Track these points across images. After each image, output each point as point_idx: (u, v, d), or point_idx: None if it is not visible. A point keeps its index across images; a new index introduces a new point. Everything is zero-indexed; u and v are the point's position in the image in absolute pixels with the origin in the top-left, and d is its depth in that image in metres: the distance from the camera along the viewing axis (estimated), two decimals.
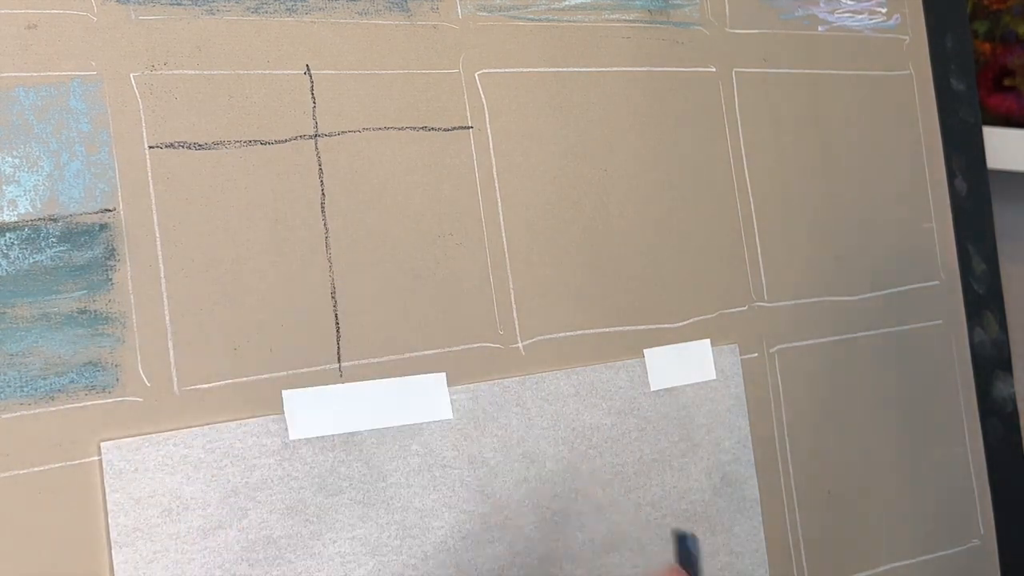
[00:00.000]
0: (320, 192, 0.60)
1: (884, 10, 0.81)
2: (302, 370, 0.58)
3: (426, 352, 0.61)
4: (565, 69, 0.68)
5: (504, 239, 0.64)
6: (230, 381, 0.56)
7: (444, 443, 0.61)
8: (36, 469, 0.52)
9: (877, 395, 0.77)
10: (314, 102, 0.60)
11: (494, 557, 0.62)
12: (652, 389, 0.68)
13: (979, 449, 0.81)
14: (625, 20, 0.70)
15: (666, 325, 0.69)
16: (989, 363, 0.82)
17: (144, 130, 0.56)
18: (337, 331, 0.59)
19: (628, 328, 0.68)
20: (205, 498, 0.55)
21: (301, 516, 0.57)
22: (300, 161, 0.59)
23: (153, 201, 0.56)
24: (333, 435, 0.58)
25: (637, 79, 0.70)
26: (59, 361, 0.53)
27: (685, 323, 0.70)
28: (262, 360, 0.57)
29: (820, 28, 0.78)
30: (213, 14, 0.58)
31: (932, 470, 0.79)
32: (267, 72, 0.59)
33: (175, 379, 0.55)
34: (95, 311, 0.54)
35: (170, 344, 0.55)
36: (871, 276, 0.78)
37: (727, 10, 0.74)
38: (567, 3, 0.68)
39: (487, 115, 0.65)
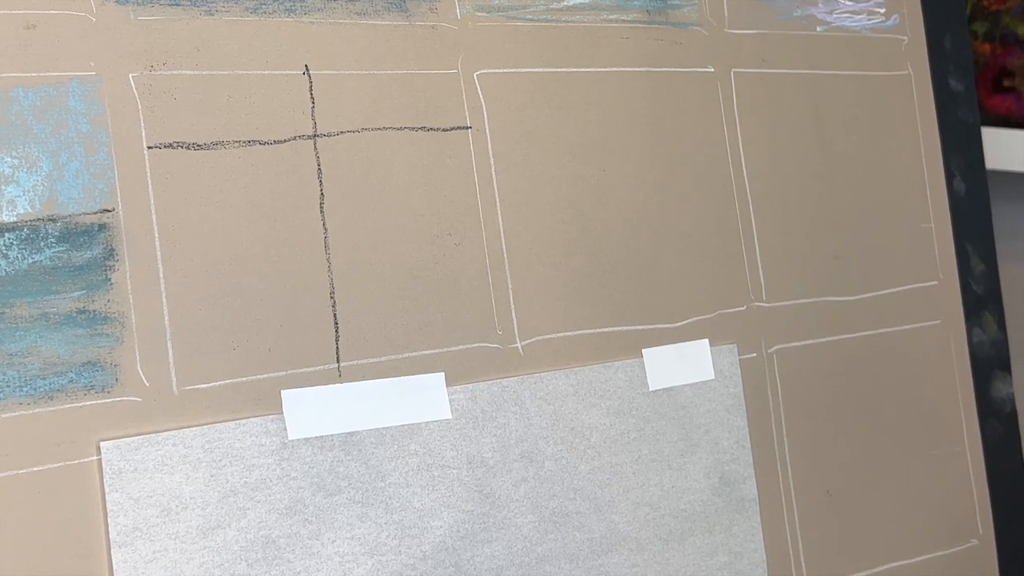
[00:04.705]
0: (319, 192, 0.60)
1: (883, 10, 0.81)
2: (301, 370, 0.58)
3: (425, 352, 0.61)
4: (563, 69, 0.68)
5: (503, 239, 0.65)
6: (229, 381, 0.57)
7: (443, 443, 0.61)
8: (35, 469, 0.52)
9: (875, 395, 0.77)
10: (313, 102, 0.60)
11: (492, 556, 0.62)
12: (651, 389, 0.68)
13: (977, 449, 0.81)
14: (623, 20, 0.70)
15: (664, 325, 0.69)
16: (988, 363, 0.82)
17: (143, 130, 0.56)
18: (336, 331, 0.59)
19: (626, 328, 0.68)
20: (204, 498, 0.55)
21: (300, 516, 0.57)
22: (299, 161, 0.59)
23: (152, 201, 0.56)
24: (332, 435, 0.59)
25: (635, 79, 0.70)
26: (58, 361, 0.53)
27: (683, 323, 0.70)
28: (261, 360, 0.57)
29: (818, 28, 0.78)
30: (212, 14, 0.58)
31: (930, 470, 0.79)
32: (266, 72, 0.59)
33: (174, 379, 0.55)
34: (94, 311, 0.54)
35: (169, 344, 0.55)
36: (869, 276, 0.78)
37: (725, 10, 0.74)
38: (565, 4, 0.68)
39: (486, 115, 0.65)
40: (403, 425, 0.60)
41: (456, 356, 0.62)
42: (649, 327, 0.69)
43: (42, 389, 0.52)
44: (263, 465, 0.57)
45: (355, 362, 0.60)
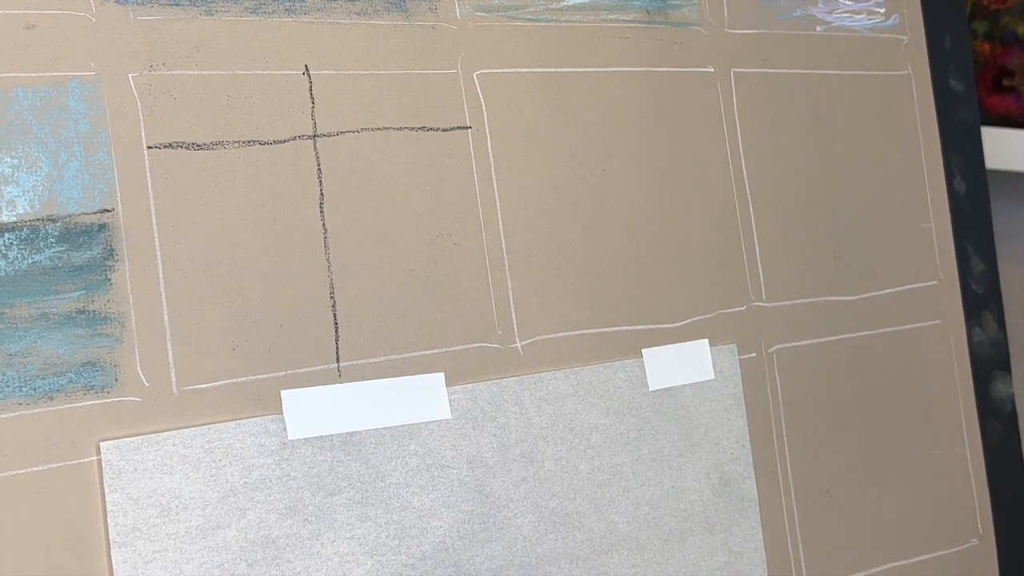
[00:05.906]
0: (319, 192, 0.60)
1: (882, 10, 0.81)
2: (301, 370, 0.58)
3: (424, 352, 0.61)
4: (563, 69, 0.68)
5: (502, 239, 0.65)
6: (229, 381, 0.57)
7: (443, 443, 0.61)
8: (35, 469, 0.52)
9: (875, 395, 0.77)
10: (313, 102, 0.60)
11: (492, 557, 0.62)
12: (650, 389, 0.68)
13: (977, 449, 0.81)
14: (623, 20, 0.70)
15: (664, 325, 0.69)
16: (988, 363, 0.82)
17: (143, 130, 0.56)
18: (336, 331, 0.59)
19: (626, 328, 0.68)
20: (204, 498, 0.55)
21: (300, 516, 0.57)
22: (299, 161, 0.59)
23: (152, 201, 0.56)
24: (332, 435, 0.59)
25: (635, 79, 0.70)
26: (58, 361, 0.53)
27: (683, 323, 0.70)
28: (261, 360, 0.57)
29: (818, 28, 0.78)
30: (212, 15, 0.58)
31: (930, 470, 0.79)
32: (266, 72, 0.59)
33: (174, 379, 0.55)
34: (94, 311, 0.54)
35: (169, 344, 0.55)
36: (869, 276, 0.78)
37: (725, 10, 0.74)
38: (565, 3, 0.68)
39: (485, 115, 0.65)
40: (403, 425, 0.60)
41: (456, 356, 0.62)
42: (649, 327, 0.69)
43: (42, 389, 0.52)
44: (263, 465, 0.57)
45: (355, 362, 0.60)
